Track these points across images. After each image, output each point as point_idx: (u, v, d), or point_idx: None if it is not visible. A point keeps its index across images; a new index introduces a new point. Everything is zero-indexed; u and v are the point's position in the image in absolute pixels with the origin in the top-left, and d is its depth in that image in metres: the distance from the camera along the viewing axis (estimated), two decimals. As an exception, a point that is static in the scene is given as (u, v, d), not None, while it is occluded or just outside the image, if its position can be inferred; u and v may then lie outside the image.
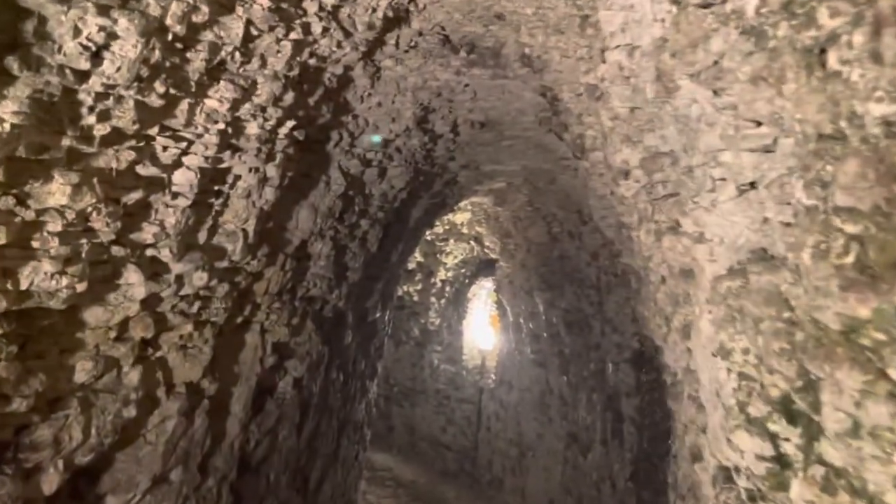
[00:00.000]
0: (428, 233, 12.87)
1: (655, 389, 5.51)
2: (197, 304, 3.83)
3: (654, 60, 2.04)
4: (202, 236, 3.71)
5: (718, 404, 2.09)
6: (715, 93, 1.94)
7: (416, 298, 14.04)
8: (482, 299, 13.52)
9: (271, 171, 3.90)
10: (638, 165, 2.74)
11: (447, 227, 12.77)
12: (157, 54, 2.59)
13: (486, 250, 12.26)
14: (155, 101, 2.82)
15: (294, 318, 4.96)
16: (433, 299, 13.77)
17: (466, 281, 13.34)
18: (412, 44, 4.17)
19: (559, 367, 9.64)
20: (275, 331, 4.74)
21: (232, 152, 3.54)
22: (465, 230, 12.41)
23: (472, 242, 12.50)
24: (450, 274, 13.42)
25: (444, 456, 13.51)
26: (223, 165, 3.57)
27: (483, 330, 13.34)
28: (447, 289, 13.57)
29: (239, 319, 4.35)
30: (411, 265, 13.75)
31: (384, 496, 12.61)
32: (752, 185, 1.93)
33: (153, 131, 3.01)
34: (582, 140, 3.82)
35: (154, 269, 3.50)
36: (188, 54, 2.79)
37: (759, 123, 1.80)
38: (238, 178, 3.75)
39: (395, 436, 14.59)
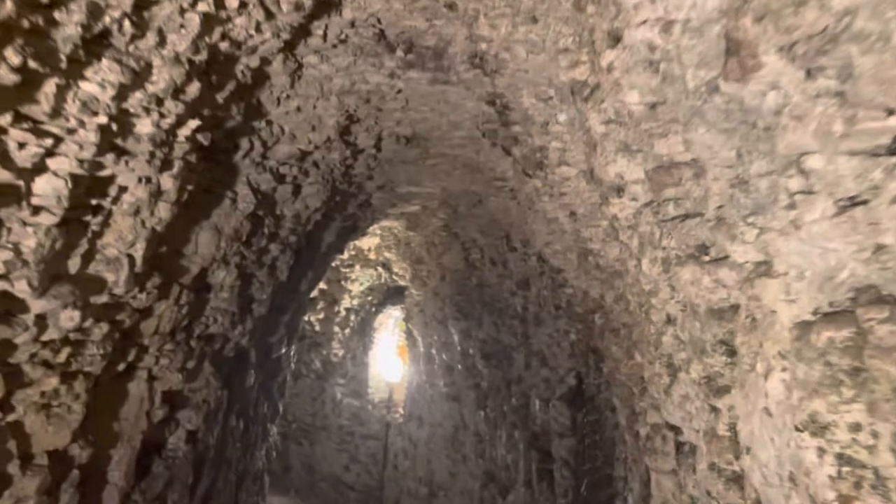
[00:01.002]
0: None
1: (596, 431, 5.01)
2: (65, 352, 2.96)
3: (720, 31, 1.50)
4: (74, 264, 2.87)
5: (795, 492, 1.56)
6: (809, 73, 1.41)
7: (317, 328, 13.12)
8: (390, 329, 12.79)
9: (167, 182, 3.11)
10: (641, 179, 2.21)
11: (353, 253, 11.99)
12: (8, 6, 1.81)
13: (394, 277, 11.57)
14: (6, 76, 2.02)
15: (189, 360, 4.11)
16: (336, 329, 12.90)
17: (373, 309, 12.58)
18: (342, 37, 3.50)
19: (475, 401, 9.05)
20: (165, 378, 3.88)
21: (116, 156, 2.74)
22: (372, 256, 11.68)
23: (379, 269, 11.78)
24: (355, 302, 12.62)
25: (347, 497, 12.58)
26: (104, 173, 2.77)
27: (390, 361, 12.59)
28: (352, 318, 12.75)
29: (121, 367, 3.48)
30: (313, 293, 12.85)
31: (281, 544, 11.54)
32: (859, 199, 1.41)
33: (4, 120, 2.19)
34: (543, 154, 3.28)
35: (5, 308, 2.64)
36: (56, 14, 2.02)
37: (891, 112, 1.29)
38: (124, 189, 2.94)
39: (292, 476, 13.51)
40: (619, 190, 2.37)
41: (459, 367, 9.46)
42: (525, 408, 7.25)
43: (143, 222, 3.04)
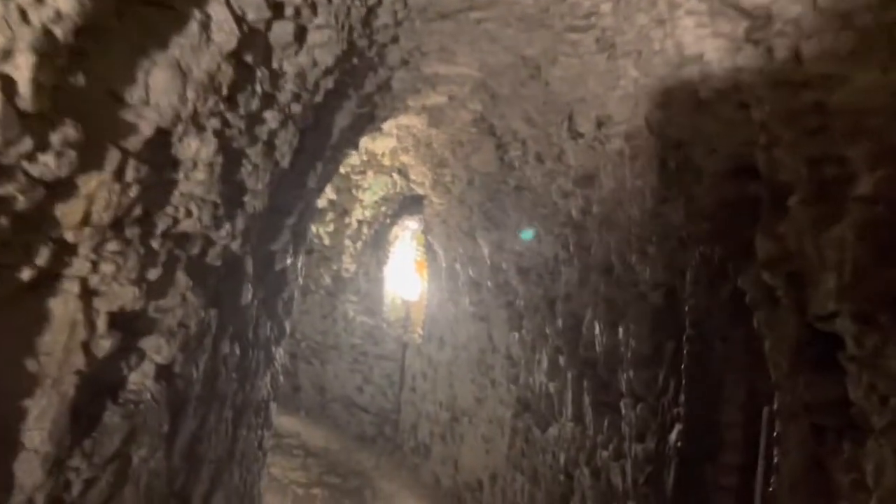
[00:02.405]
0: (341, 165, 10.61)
1: (698, 365, 3.73)
2: None
3: None
4: None
5: None
6: None
7: (327, 241, 11.82)
8: (406, 242, 11.48)
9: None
10: None
11: (364, 158, 10.53)
12: None
13: (411, 184, 10.15)
14: None
15: (151, 268, 2.79)
16: (348, 242, 11.59)
17: (388, 221, 11.22)
18: None
19: (507, 321, 7.81)
20: (112, 293, 2.57)
21: None
22: (386, 161, 10.22)
23: (394, 175, 10.35)
24: (367, 213, 11.26)
25: (361, 419, 11.59)
26: None
27: (407, 277, 11.35)
28: (364, 230, 11.42)
29: (27, 275, 2.15)
30: (321, 202, 11.48)
31: (291, 468, 10.59)
32: None
33: None
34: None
35: None
36: None
37: None
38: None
39: (302, 396, 12.51)
40: None
41: (489, 283, 8.17)
42: (575, 330, 5.99)
43: (23, 15, 1.65)
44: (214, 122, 2.85)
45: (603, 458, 5.20)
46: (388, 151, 9.97)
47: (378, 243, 11.32)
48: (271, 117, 3.38)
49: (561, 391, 6.30)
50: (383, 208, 11.02)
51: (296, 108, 3.64)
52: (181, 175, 2.82)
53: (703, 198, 3.23)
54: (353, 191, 11.00)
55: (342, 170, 10.73)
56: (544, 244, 6.68)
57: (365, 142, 9.96)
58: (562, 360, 6.34)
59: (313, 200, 5.96)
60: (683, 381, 3.91)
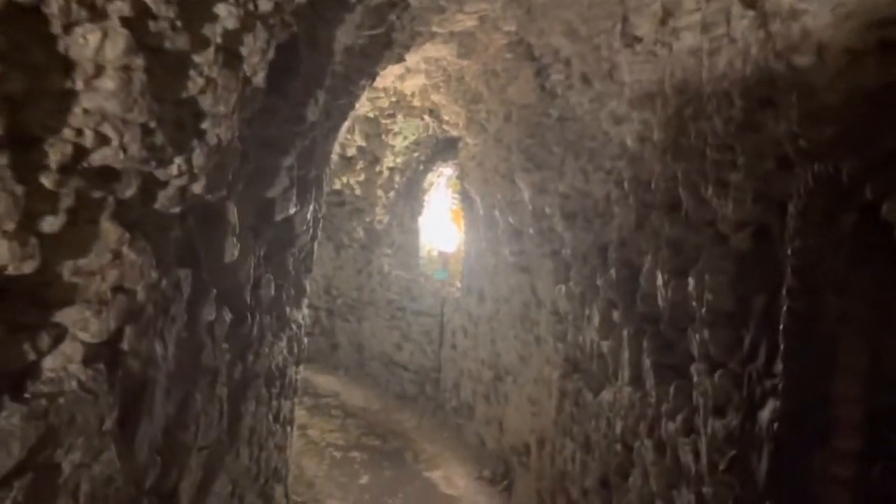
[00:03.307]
0: (369, 109, 9.68)
1: (797, 321, 2.77)
2: None
3: None
4: None
5: None
6: None
7: (358, 192, 10.99)
8: (441, 190, 10.56)
9: None
10: None
11: (393, 100, 9.56)
12: None
13: (444, 126, 9.17)
14: None
15: (47, 215, 1.97)
16: (380, 192, 10.74)
17: (421, 168, 10.29)
18: None
19: (553, 272, 6.88)
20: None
21: None
22: (416, 102, 9.23)
23: (426, 117, 9.36)
24: (399, 160, 10.35)
25: (401, 377, 10.91)
26: None
27: (443, 228, 10.46)
28: (396, 179, 10.53)
29: None
30: (350, 150, 10.62)
31: (329, 429, 10.00)
32: None
33: None
34: None
35: None
36: None
37: None
38: None
39: (340, 355, 11.89)
40: None
41: (530, 230, 7.23)
42: (631, 281, 5.05)
43: None
44: (122, 6, 1.96)
45: (669, 430, 4.29)
46: (417, 91, 8.98)
47: (411, 192, 10.43)
48: (226, 12, 2.49)
49: (616, 351, 5.39)
50: (416, 154, 10.09)
51: (265, 5, 2.73)
52: (79, 83, 1.96)
53: (828, 90, 2.23)
54: (383, 136, 10.08)
55: (370, 114, 9.81)
56: (593, 182, 5.69)
57: (393, 82, 9.00)
58: (616, 315, 5.42)
59: (323, 140, 5.07)
60: (782, 346, 2.95)
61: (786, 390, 2.97)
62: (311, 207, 5.15)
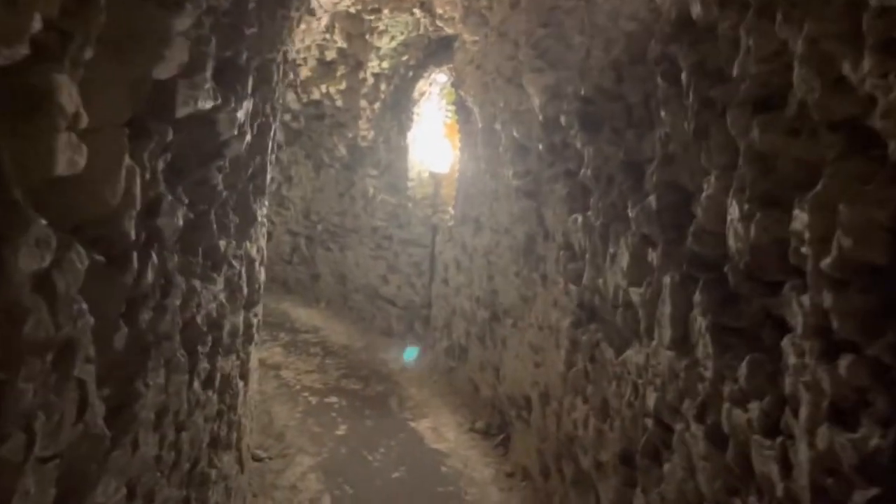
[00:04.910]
0: (350, 2, 8.03)
1: None
2: None
3: None
4: None
5: None
6: None
7: (339, 103, 9.45)
8: (434, 101, 9.01)
9: None
10: None
11: (378, -9, 7.93)
12: None
13: (438, 23, 7.58)
14: None
15: None
16: (363, 103, 9.20)
17: (410, 74, 8.70)
18: None
19: (566, 198, 5.50)
20: None
21: None
22: (405, -8, 7.62)
23: (416, 12, 7.74)
24: (385, 65, 8.75)
25: (387, 312, 9.69)
26: None
27: (436, 146, 8.99)
28: (382, 87, 8.97)
29: None
30: (330, 54, 9.02)
31: (307, 369, 8.87)
32: None
33: None
34: None
35: None
36: None
37: None
38: None
39: (321, 286, 10.64)
40: None
41: (539, 147, 5.80)
42: (679, 212, 3.70)
43: None
44: None
45: (735, 421, 3.02)
46: (406, -22, 7.36)
47: (399, 103, 8.89)
48: None
49: (650, 302, 4.07)
50: (404, 57, 8.50)
51: None
52: None
53: None
54: (367, 36, 8.46)
55: (352, 8, 8.18)
56: (629, 80, 4.24)
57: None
58: (653, 255, 4.08)
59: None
60: None
61: None
62: (250, 103, 3.71)
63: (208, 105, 3.06)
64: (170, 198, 2.98)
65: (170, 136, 2.90)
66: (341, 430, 7.42)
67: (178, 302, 3.22)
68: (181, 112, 2.88)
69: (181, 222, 3.11)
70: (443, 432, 7.46)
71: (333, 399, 8.13)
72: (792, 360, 2.55)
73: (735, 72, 2.81)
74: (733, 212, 2.96)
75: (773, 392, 2.76)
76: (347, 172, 9.72)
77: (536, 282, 6.22)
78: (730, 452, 3.10)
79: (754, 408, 2.86)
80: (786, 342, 2.63)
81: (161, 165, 2.93)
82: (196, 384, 3.74)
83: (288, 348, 9.41)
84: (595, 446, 4.99)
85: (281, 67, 4.64)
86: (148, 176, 2.79)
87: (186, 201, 3.28)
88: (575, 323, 5.41)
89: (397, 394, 8.31)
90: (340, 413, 7.81)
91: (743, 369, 2.95)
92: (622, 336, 4.60)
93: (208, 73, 2.98)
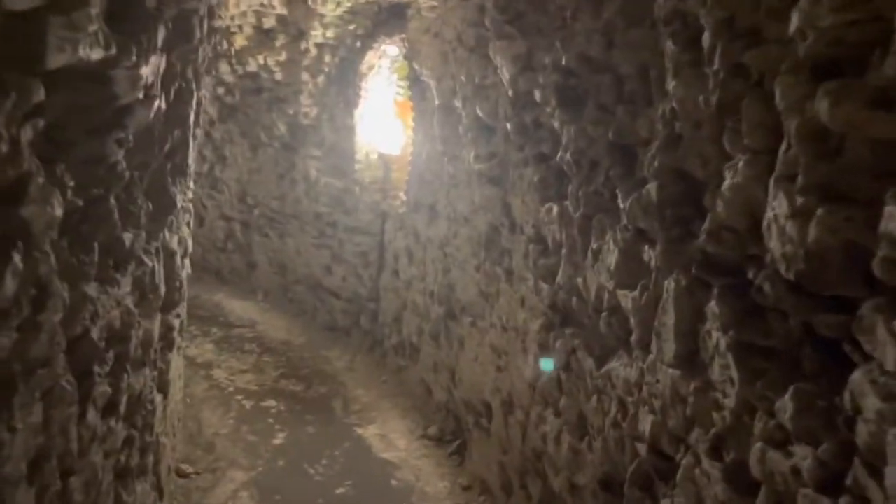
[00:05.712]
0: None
1: None
2: None
3: None
4: None
5: None
6: None
7: (278, 76, 8.53)
8: (384, 75, 8.21)
9: None
10: None
11: (323, -50, 7.06)
12: None
13: (389, -13, 6.78)
14: None
15: None
16: (306, 77, 8.31)
17: (358, 45, 7.84)
18: None
19: (538, 185, 4.83)
20: None
21: None
22: (353, -49, 6.78)
23: (365, -26, 6.93)
24: (330, 34, 7.88)
25: (331, 305, 8.90)
26: None
27: (386, 125, 8.21)
28: (327, 59, 8.10)
29: None
30: (268, 21, 8.10)
31: (241, 369, 8.02)
32: None
33: None
34: None
35: None
36: None
37: None
38: None
39: (258, 276, 9.75)
40: None
41: (508, 126, 5.11)
42: (686, 204, 3.09)
43: None
44: None
45: (774, 464, 2.42)
46: (354, -65, 6.53)
47: (346, 78, 8.05)
48: None
49: (646, 308, 3.46)
50: (351, 26, 7.65)
51: None
52: None
53: None
54: (310, 2, 7.59)
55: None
56: (621, 48, 3.59)
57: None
58: (649, 253, 3.46)
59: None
60: None
61: None
62: (161, 60, 2.89)
63: (96, 55, 2.24)
64: (41, 179, 2.16)
65: (40, 95, 2.08)
66: (279, 439, 6.64)
67: (58, 316, 2.40)
68: (54, 61, 2.06)
69: (60, 211, 2.29)
70: (392, 440, 6.77)
71: (271, 403, 7.33)
72: (873, 402, 1.94)
73: (793, 26, 2.17)
74: (778, 205, 2.34)
75: (832, 437, 2.17)
76: (287, 153, 8.84)
77: (500, 277, 5.57)
78: (762, 502, 2.51)
79: (805, 454, 2.26)
80: (859, 377, 2.02)
81: (28, 134, 2.11)
82: (91, 414, 2.93)
83: (220, 345, 8.51)
84: (570, 466, 4.39)
85: (205, 22, 3.80)
86: (4, 148, 1.98)
87: (72, 184, 2.46)
88: (546, 326, 4.79)
89: (342, 396, 7.57)
90: (278, 419, 7.02)
91: (787, 403, 2.35)
92: (605, 345, 3.99)
93: (94, 11, 2.16)
